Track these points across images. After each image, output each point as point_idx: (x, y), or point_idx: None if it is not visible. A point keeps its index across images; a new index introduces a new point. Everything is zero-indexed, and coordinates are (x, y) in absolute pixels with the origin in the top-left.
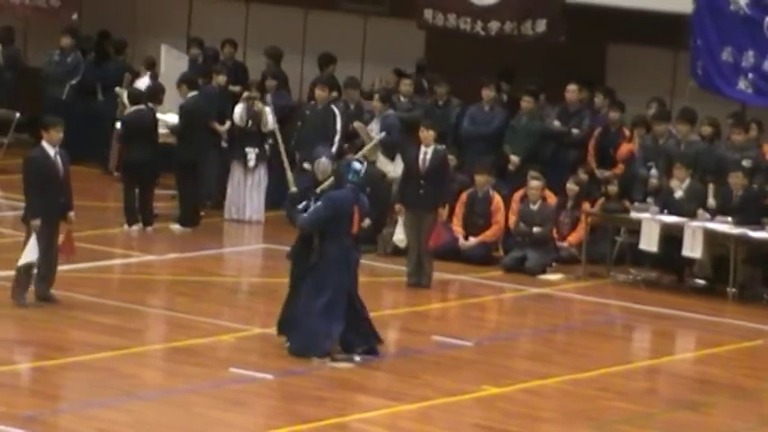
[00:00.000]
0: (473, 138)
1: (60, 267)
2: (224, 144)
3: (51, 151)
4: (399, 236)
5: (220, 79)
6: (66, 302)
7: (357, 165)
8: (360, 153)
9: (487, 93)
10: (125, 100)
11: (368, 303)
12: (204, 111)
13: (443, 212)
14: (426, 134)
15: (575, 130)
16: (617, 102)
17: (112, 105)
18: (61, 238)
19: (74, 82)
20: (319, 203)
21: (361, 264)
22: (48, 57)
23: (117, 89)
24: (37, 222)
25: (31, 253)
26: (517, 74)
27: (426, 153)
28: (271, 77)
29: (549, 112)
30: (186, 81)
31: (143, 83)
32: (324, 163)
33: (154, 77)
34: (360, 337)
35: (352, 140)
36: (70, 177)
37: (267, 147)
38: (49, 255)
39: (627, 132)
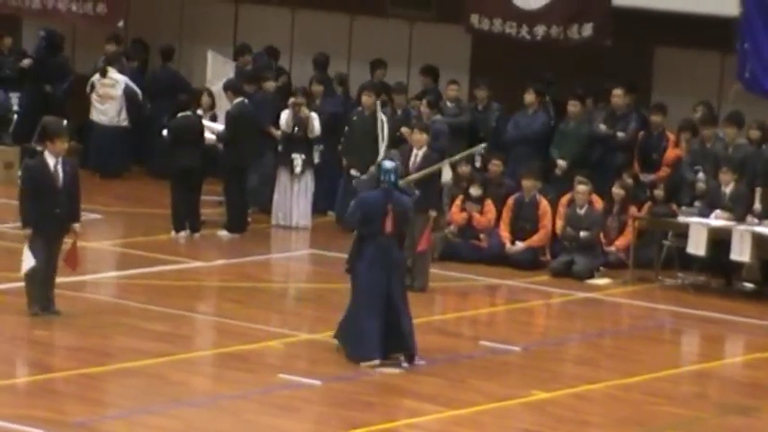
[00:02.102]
0: (515, 141)
1: (109, 274)
2: (280, 148)
3: (51, 161)
4: None
5: (269, 85)
6: (114, 309)
7: (387, 164)
8: (455, 158)
9: (529, 97)
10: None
11: (415, 308)
12: (251, 117)
13: (433, 215)
14: (419, 137)
15: (620, 134)
16: (659, 105)
17: (159, 111)
18: (66, 249)
19: None
20: (351, 203)
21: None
22: (94, 64)
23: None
24: (28, 232)
25: (24, 263)
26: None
27: (417, 155)
28: (317, 83)
29: (596, 116)
30: (232, 87)
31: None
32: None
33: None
34: (397, 341)
35: (399, 146)
36: (77, 188)
37: (316, 153)
38: (47, 266)
39: (670, 136)
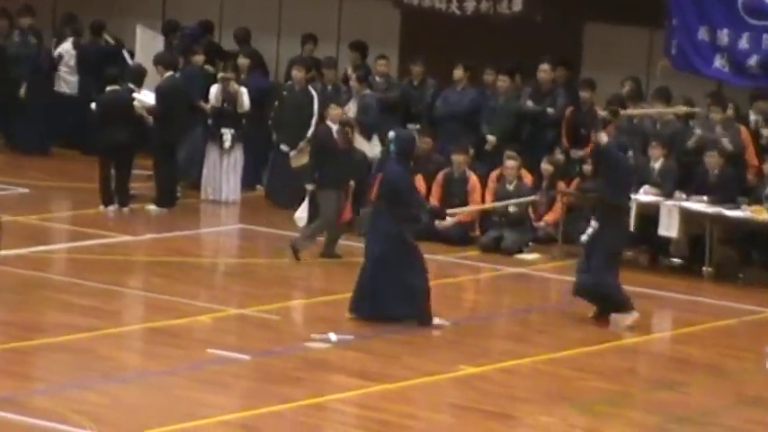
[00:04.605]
0: (445, 118)
1: (37, 248)
2: (210, 122)
3: None
4: (302, 214)
5: (197, 59)
6: (42, 283)
7: (390, 134)
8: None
9: (458, 73)
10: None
11: (343, 283)
12: (182, 91)
13: (352, 185)
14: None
15: (549, 110)
16: (587, 80)
17: (87, 87)
18: None
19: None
20: None
21: (339, 245)
22: (4, 38)
23: None
24: None
25: None
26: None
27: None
28: (243, 56)
29: (525, 92)
30: (163, 62)
31: None
32: None
33: None
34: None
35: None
36: None
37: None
38: None
39: (599, 112)
